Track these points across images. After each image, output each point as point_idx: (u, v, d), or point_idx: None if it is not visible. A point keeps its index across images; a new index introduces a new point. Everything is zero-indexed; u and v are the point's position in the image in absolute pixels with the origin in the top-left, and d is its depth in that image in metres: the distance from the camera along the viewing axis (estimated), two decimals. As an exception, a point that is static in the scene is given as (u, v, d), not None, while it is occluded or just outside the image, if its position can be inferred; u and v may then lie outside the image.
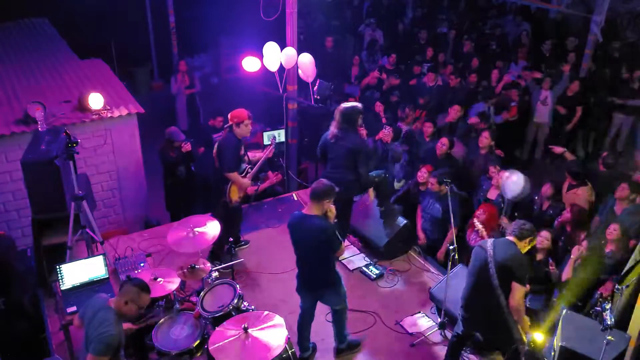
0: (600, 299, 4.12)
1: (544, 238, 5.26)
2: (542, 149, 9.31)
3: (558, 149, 7.05)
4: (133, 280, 3.75)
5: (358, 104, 5.75)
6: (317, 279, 4.53)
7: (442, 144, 6.74)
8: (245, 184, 5.75)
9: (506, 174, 5.80)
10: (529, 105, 8.94)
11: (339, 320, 4.75)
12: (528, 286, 4.16)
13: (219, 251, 5.71)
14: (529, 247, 4.27)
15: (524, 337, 4.20)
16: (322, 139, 5.75)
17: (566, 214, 5.60)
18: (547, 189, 6.07)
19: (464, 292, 4.41)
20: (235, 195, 5.69)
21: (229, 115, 5.58)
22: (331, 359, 4.86)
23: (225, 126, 5.64)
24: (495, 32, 11.72)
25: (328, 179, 4.53)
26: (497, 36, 11.59)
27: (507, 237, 4.23)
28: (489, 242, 4.24)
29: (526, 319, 4.20)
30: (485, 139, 6.80)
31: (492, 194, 6.24)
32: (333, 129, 5.61)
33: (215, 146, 5.63)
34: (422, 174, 6.35)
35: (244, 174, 5.72)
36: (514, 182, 5.65)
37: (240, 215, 6.02)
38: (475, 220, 5.72)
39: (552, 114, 8.85)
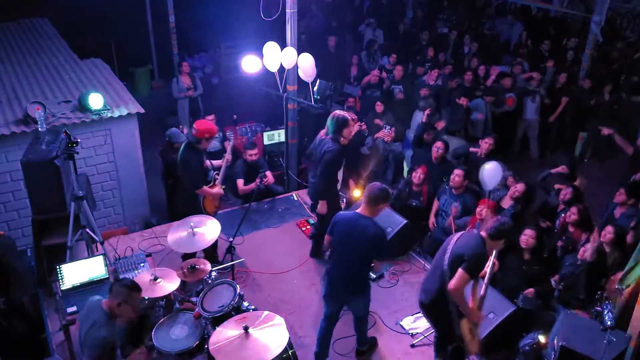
0: (600, 299, 4.13)
1: (528, 237, 5.21)
2: (537, 146, 9.38)
3: (607, 130, 7.07)
4: (122, 281, 3.76)
5: (347, 114, 5.52)
6: (352, 284, 4.44)
7: (438, 147, 6.68)
8: (217, 194, 5.68)
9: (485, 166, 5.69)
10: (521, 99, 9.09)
11: (361, 325, 4.75)
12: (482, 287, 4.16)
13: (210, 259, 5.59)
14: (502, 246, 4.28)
15: (467, 336, 4.14)
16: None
17: (571, 215, 5.50)
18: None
19: (424, 280, 4.47)
20: (210, 207, 5.64)
21: (197, 128, 5.42)
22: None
23: (190, 140, 5.48)
24: (494, 32, 11.77)
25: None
26: (495, 36, 11.64)
27: (480, 232, 4.20)
28: (457, 234, 4.25)
29: (475, 311, 4.15)
30: (485, 144, 6.77)
31: (505, 203, 6.05)
32: (323, 132, 5.59)
33: (178, 164, 5.51)
34: (418, 175, 6.33)
35: (211, 183, 5.67)
36: (491, 170, 5.58)
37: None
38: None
39: (540, 109, 8.98)
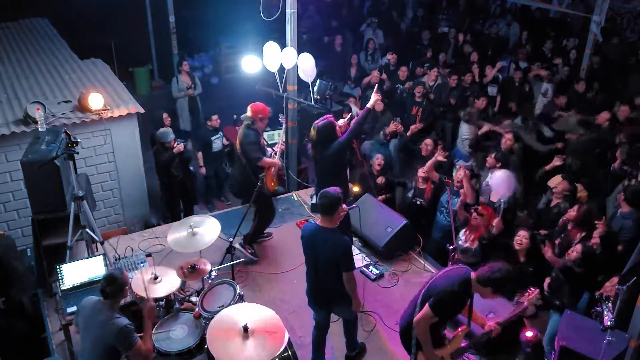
0: (600, 299, 4.12)
1: (522, 237, 5.18)
2: None
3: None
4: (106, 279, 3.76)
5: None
6: (331, 294, 4.35)
7: (427, 144, 6.71)
8: (277, 163, 5.88)
9: (495, 172, 5.76)
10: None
11: (350, 329, 4.70)
12: None
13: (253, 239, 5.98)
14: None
15: None
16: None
17: (571, 212, 5.49)
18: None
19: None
20: (270, 182, 5.81)
21: (251, 109, 5.66)
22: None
23: (246, 122, 5.72)
24: (492, 32, 11.77)
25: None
26: (494, 36, 11.64)
27: (470, 273, 3.85)
28: (447, 268, 4.10)
29: (434, 355, 4.02)
30: (509, 141, 6.74)
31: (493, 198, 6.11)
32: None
33: (238, 145, 5.72)
34: (421, 171, 6.33)
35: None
36: (501, 179, 5.61)
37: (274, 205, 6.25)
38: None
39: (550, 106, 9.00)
